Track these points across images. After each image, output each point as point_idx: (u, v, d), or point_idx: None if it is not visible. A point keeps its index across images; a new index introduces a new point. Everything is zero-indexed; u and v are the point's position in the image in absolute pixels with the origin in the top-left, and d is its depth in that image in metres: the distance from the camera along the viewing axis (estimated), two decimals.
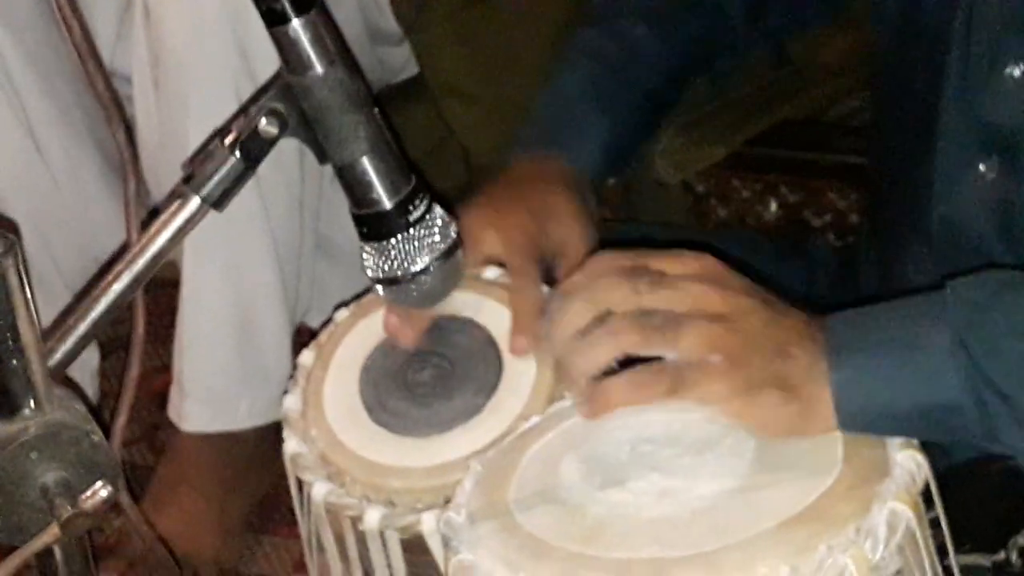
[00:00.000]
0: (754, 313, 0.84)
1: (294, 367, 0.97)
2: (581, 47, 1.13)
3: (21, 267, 0.72)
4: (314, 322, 1.56)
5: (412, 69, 1.63)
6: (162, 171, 1.37)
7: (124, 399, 0.79)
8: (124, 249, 0.84)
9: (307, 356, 0.97)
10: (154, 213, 0.86)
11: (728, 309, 0.83)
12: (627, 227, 1.35)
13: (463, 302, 0.95)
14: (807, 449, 0.81)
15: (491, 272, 0.98)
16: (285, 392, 0.96)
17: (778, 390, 0.82)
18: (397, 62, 1.63)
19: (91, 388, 1.66)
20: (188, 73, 1.36)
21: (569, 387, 0.87)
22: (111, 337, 1.71)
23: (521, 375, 0.91)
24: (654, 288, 0.84)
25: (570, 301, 0.86)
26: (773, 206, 1.63)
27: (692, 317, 0.83)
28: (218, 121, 1.28)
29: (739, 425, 0.82)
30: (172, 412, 1.53)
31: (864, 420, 0.82)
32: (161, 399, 1.58)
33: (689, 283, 0.84)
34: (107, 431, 0.76)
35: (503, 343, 0.93)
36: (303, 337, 1.53)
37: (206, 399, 1.50)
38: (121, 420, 0.76)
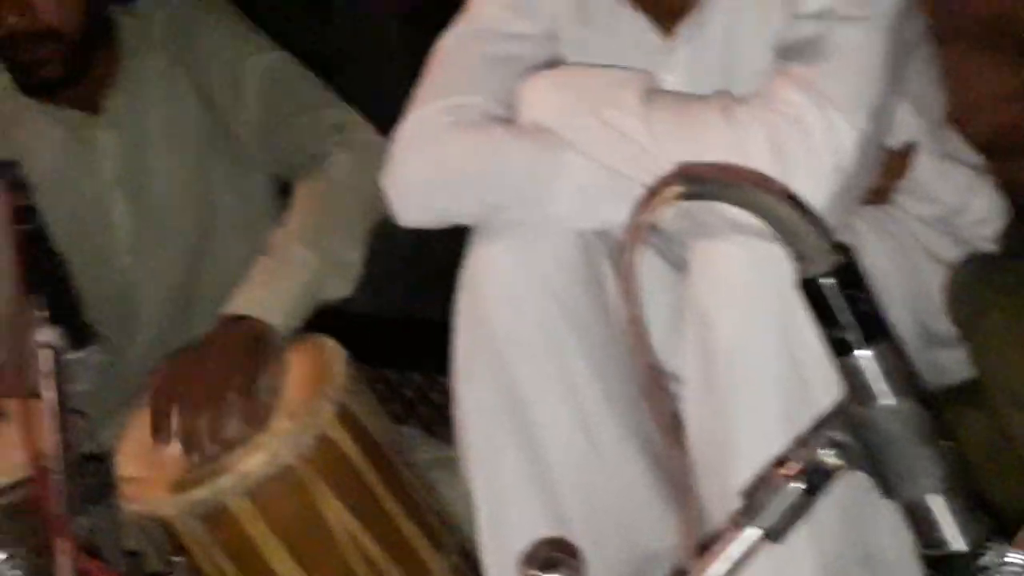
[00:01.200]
0: None
1: None
2: None
3: None
4: None
5: (967, 372, 1.55)
6: (710, 478, 1.36)
7: None
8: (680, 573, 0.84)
9: None
10: (707, 534, 0.85)
11: None
12: None
13: None
14: None
15: None
16: None
17: None
18: (951, 364, 1.56)
19: None
20: (738, 381, 1.35)
21: None
22: None
23: None
24: None
25: None
26: None
27: None
28: (765, 434, 1.26)
29: None
30: None
31: None
32: None
33: None
34: None
35: None
36: None
37: None
38: None
